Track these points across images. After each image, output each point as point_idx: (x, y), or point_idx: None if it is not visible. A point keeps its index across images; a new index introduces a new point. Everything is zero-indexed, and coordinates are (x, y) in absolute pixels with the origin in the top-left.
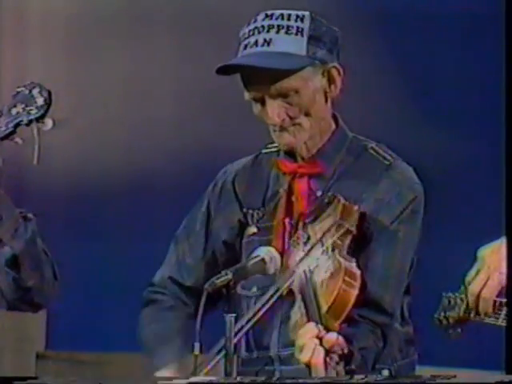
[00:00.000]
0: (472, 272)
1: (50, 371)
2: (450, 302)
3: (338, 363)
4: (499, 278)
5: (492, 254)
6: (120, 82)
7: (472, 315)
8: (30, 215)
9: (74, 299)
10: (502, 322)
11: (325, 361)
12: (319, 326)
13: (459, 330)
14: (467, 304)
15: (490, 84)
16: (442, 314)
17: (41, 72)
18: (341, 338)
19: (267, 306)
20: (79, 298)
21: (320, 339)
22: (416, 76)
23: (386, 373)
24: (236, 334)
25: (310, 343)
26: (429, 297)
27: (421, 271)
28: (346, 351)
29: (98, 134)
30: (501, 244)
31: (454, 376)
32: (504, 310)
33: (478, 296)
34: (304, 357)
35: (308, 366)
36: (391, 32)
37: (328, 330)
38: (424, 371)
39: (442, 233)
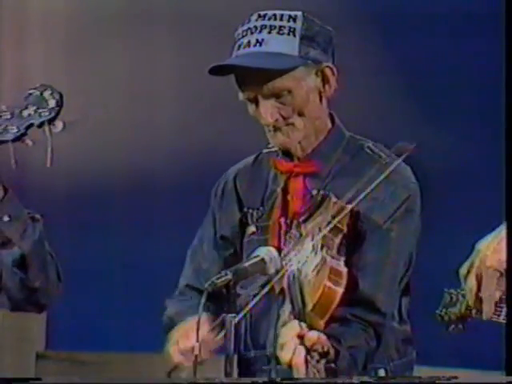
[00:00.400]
0: (466, 265)
1: (50, 371)
2: (451, 298)
3: (318, 361)
4: (493, 275)
5: (486, 248)
6: (120, 82)
7: (473, 312)
8: (37, 216)
9: (74, 299)
10: (503, 319)
11: (306, 360)
12: (302, 324)
13: (460, 326)
14: (468, 301)
15: (489, 83)
16: (444, 310)
17: (40, 72)
18: (322, 336)
19: (251, 305)
20: (79, 298)
21: (301, 338)
22: (415, 75)
23: (382, 372)
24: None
25: (291, 342)
26: (428, 295)
27: (420, 270)
28: (326, 349)
29: (99, 134)
30: (496, 238)
31: (455, 377)
32: (504, 307)
33: (478, 297)
34: (285, 356)
35: (289, 365)
36: (390, 32)
37: (312, 328)
38: (423, 371)
39: (441, 232)
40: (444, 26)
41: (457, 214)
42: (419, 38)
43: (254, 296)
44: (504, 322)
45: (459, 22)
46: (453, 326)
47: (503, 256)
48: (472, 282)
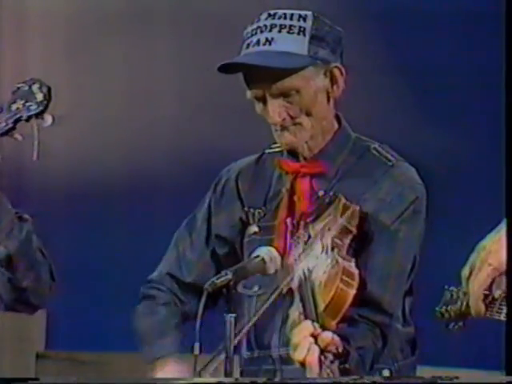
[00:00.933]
0: (467, 266)
1: (49, 371)
2: (452, 295)
3: (332, 362)
4: (488, 271)
5: (488, 247)
6: (120, 80)
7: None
8: (25, 216)
9: (73, 299)
10: (504, 317)
11: (319, 359)
12: (315, 324)
13: (461, 323)
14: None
15: (490, 84)
16: (444, 307)
17: (41, 71)
18: (336, 337)
19: (266, 305)
20: (79, 298)
21: (315, 338)
22: (417, 76)
23: (386, 373)
24: (237, 334)
25: (305, 342)
26: (429, 295)
27: (422, 270)
28: (341, 350)
29: (98, 132)
30: (496, 237)
31: (457, 377)
32: (505, 306)
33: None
34: (299, 355)
35: (302, 364)
36: (392, 32)
37: (324, 328)
38: (425, 371)
39: (443, 231)
40: (444, 26)
41: (457, 213)
42: (420, 38)
43: (259, 296)
44: (504, 319)
45: (460, 22)
46: (453, 323)
47: (503, 256)
48: (473, 282)
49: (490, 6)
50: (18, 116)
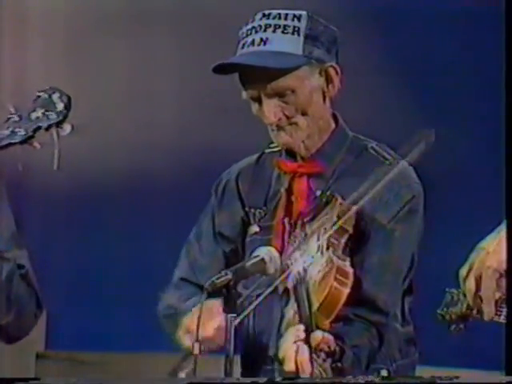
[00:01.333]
0: (466, 266)
1: (50, 371)
2: (452, 297)
3: (324, 360)
4: (493, 275)
5: (486, 248)
6: (119, 81)
7: (474, 312)
8: (6, 255)
9: (74, 299)
10: (503, 319)
11: (310, 359)
12: (308, 321)
13: (461, 325)
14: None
15: (490, 84)
16: (445, 309)
17: (40, 72)
18: (327, 336)
19: (258, 301)
20: (79, 299)
21: (306, 338)
22: (417, 76)
23: (384, 372)
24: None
25: (294, 346)
26: (429, 296)
27: (422, 271)
28: (333, 348)
29: (99, 135)
30: (496, 238)
31: (457, 377)
32: (505, 308)
33: (478, 298)
34: (289, 357)
35: (295, 366)
36: (391, 31)
37: (318, 328)
38: (424, 371)
39: (442, 231)
40: (444, 26)
41: (457, 213)
42: (419, 38)
43: (258, 296)
44: (504, 322)
45: (460, 22)
46: (454, 325)
47: (503, 256)
48: (471, 282)
49: (490, 6)
50: (37, 125)
